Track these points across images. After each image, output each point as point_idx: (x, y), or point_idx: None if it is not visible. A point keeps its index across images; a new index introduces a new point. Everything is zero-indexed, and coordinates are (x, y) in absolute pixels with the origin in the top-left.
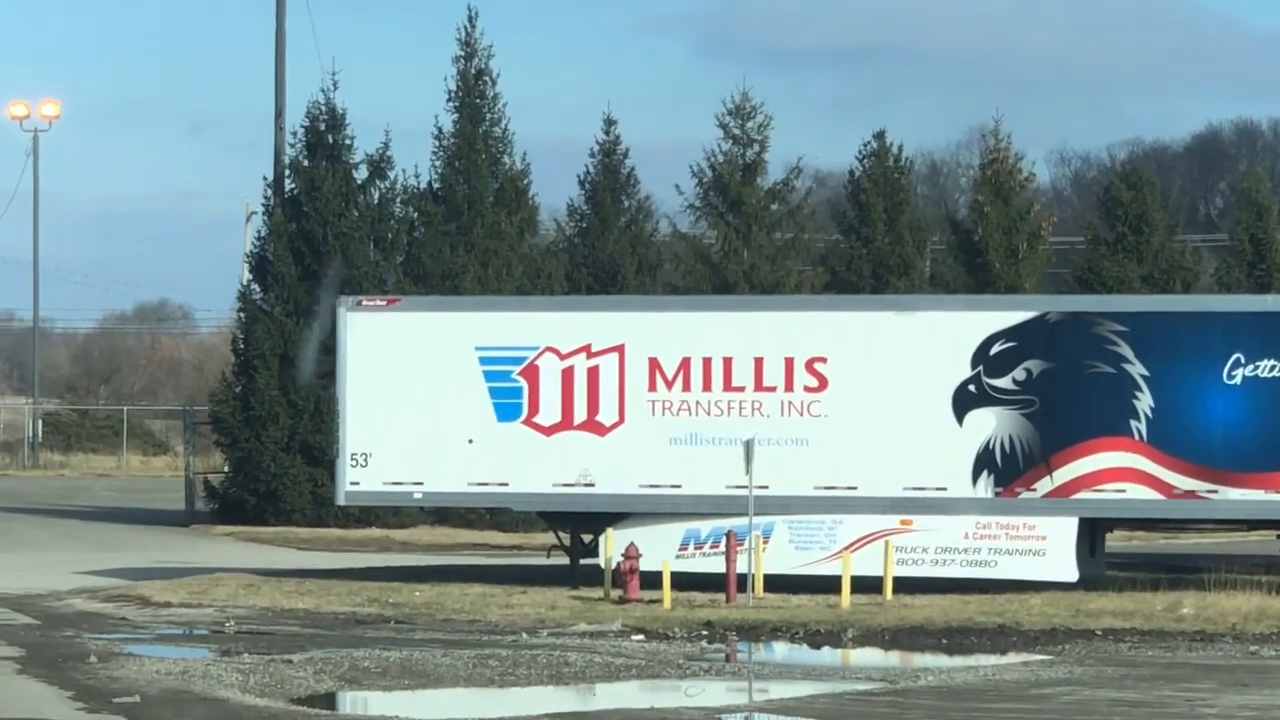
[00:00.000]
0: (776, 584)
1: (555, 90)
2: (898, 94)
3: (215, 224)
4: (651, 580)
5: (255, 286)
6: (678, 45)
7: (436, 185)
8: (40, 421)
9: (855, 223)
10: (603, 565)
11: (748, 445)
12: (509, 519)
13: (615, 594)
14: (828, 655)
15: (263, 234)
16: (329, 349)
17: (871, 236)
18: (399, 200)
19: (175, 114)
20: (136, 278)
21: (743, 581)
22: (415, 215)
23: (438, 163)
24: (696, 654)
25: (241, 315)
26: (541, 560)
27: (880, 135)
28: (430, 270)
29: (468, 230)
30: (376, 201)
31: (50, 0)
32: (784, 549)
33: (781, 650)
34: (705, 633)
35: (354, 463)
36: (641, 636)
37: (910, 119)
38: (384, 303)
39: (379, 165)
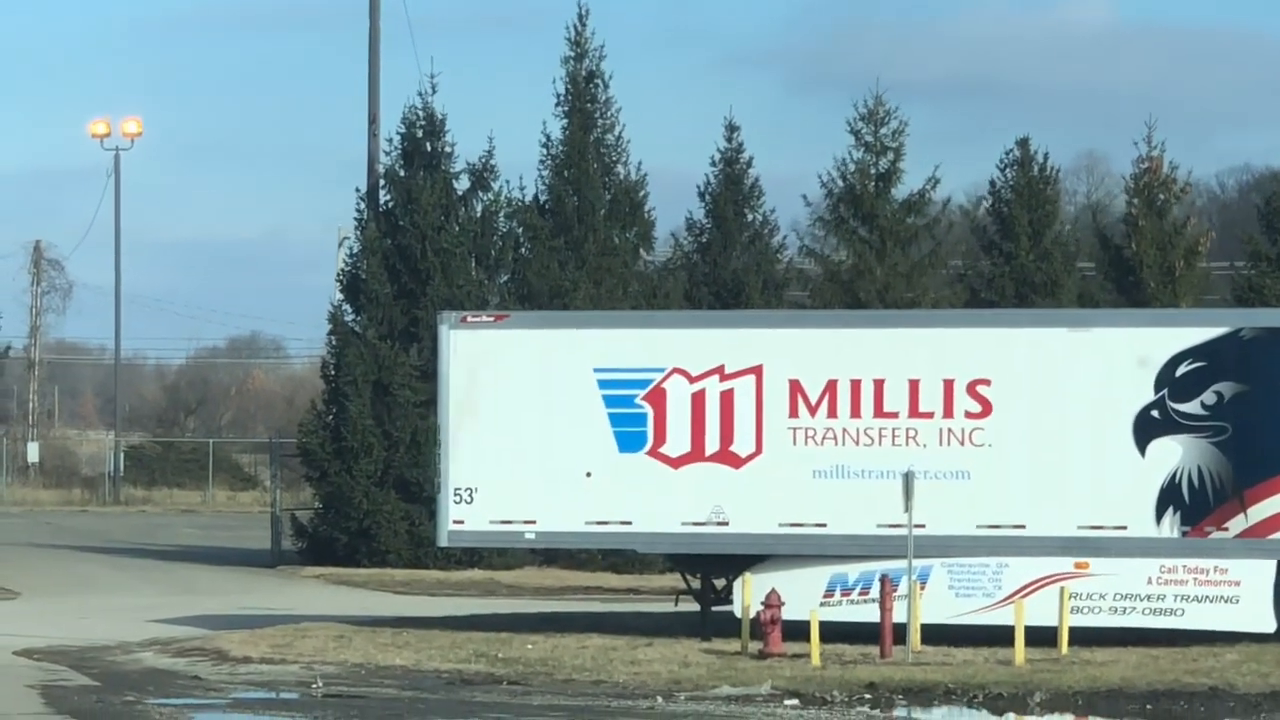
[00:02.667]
0: (933, 635)
1: (647, 128)
2: (996, 126)
3: (309, 258)
4: (792, 630)
5: (347, 307)
6: (769, 81)
7: (544, 197)
8: (122, 455)
9: (996, 238)
10: (739, 615)
11: (907, 478)
12: (624, 560)
13: (754, 647)
14: None
15: (355, 251)
16: (426, 374)
17: (1015, 252)
18: (503, 213)
19: (266, 148)
20: (229, 310)
21: (896, 633)
22: (521, 229)
23: (545, 172)
24: None
25: (332, 339)
26: (664, 607)
27: (1024, 142)
28: (538, 289)
29: (578, 246)
30: (479, 215)
31: (141, 36)
32: (942, 595)
33: (961, 719)
34: (869, 696)
35: (458, 499)
36: (796, 701)
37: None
38: (491, 319)
39: (481, 175)
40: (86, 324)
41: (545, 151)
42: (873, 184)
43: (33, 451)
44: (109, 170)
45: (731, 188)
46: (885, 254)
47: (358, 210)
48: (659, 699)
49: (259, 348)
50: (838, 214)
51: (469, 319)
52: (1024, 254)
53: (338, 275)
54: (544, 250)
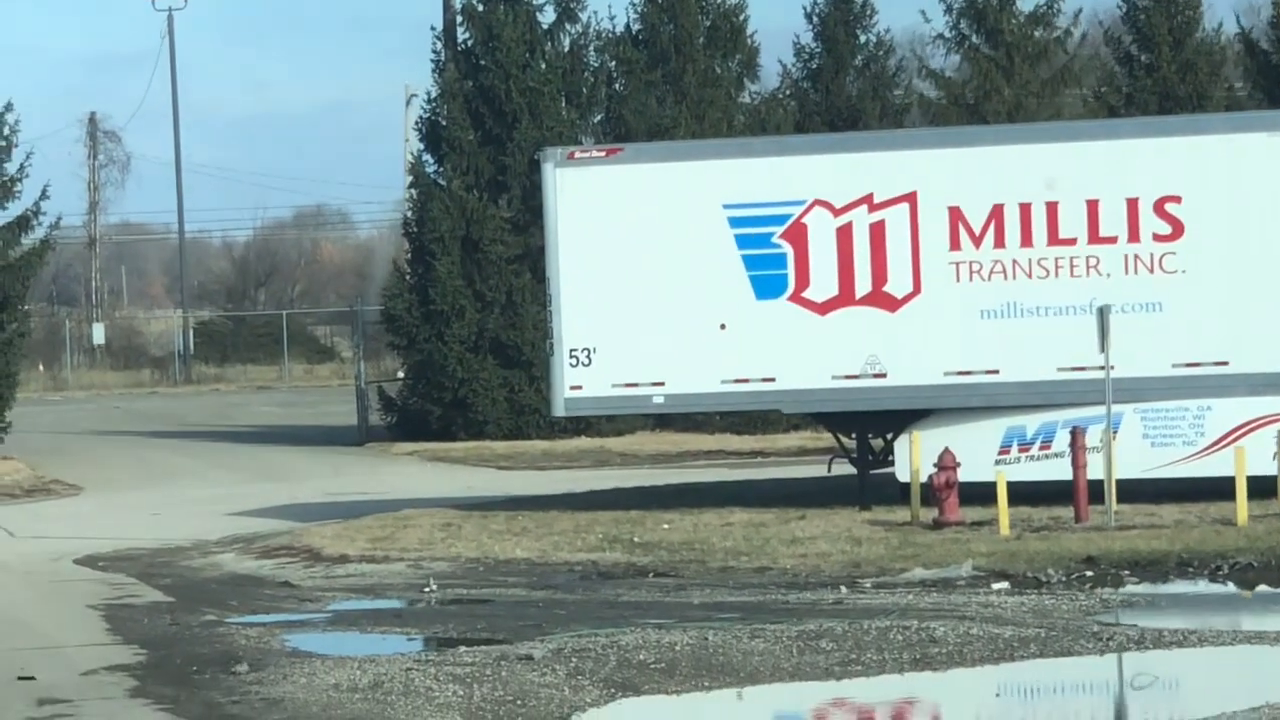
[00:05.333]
0: (1125, 491)
1: None
2: None
3: (372, 127)
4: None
5: (428, 158)
6: None
7: (636, 27)
8: (192, 332)
9: (1133, 49)
10: (904, 479)
11: (1101, 313)
12: (745, 420)
13: (926, 515)
14: None
15: (433, 96)
16: (518, 226)
17: (1155, 64)
18: (593, 47)
19: (327, 15)
20: (295, 175)
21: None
22: (613, 64)
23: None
24: (1098, 609)
25: (413, 193)
26: (799, 470)
27: None
28: (635, 127)
29: (676, 78)
30: (567, 49)
31: None
32: (1137, 446)
33: (1215, 597)
34: (1090, 574)
35: (574, 361)
36: (1005, 584)
37: None
38: (602, 154)
39: (568, 6)
40: (149, 199)
41: None
42: None
43: (98, 333)
44: (163, 33)
45: (841, 6)
46: (1013, 72)
47: (434, 52)
48: (842, 589)
49: (325, 219)
50: (958, 31)
51: (577, 155)
52: (1165, 65)
53: (416, 124)
54: (640, 85)
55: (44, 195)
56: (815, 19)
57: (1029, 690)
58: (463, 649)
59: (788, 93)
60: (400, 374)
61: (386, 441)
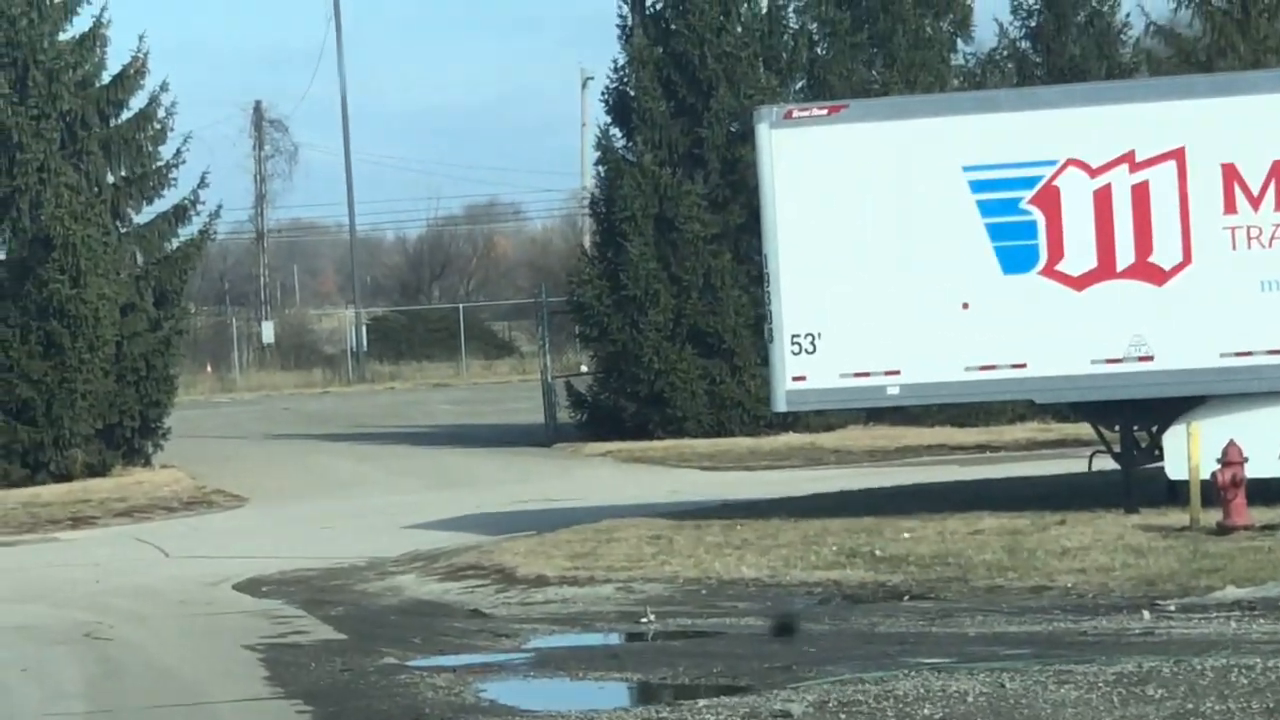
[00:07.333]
0: None
1: None
2: None
3: (541, 123)
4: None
5: (616, 131)
6: None
7: None
8: (365, 328)
9: None
10: (1180, 476)
11: None
12: (966, 411)
13: (1208, 519)
14: None
15: (620, 65)
16: (715, 204)
17: None
18: (792, 8)
19: (495, 14)
20: (467, 171)
21: None
22: (814, 25)
23: None
24: None
25: (601, 169)
26: (1040, 466)
27: None
28: (840, 93)
29: (884, 40)
30: (764, 10)
31: None
32: None
33: None
34: None
35: (796, 348)
36: None
37: None
38: (824, 112)
39: None
40: (317, 195)
41: None
42: None
43: (267, 331)
44: (328, 16)
45: None
46: (1249, 26)
47: (619, 17)
48: (1144, 613)
49: (498, 212)
50: None
51: (795, 114)
52: None
53: (602, 94)
54: (844, 47)
55: (203, 183)
56: None
57: None
58: (701, 703)
59: (1005, 54)
60: (584, 367)
61: (576, 441)
